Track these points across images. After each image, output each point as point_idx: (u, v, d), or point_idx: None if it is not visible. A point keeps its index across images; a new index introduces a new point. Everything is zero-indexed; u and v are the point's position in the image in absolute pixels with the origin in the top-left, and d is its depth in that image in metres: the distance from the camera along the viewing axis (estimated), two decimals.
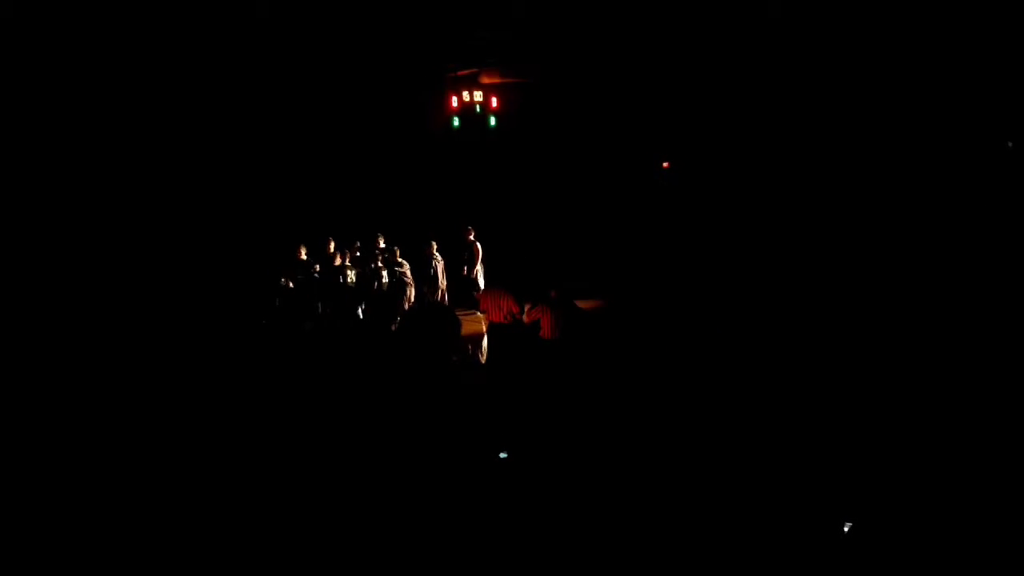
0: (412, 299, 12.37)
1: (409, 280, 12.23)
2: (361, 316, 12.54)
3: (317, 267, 12.41)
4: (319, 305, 12.32)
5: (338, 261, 12.45)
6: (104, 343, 10.54)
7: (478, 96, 14.72)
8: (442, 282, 13.13)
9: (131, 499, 6.30)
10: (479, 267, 13.62)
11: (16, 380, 9.14)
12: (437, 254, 13.13)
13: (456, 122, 14.83)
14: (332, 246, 12.58)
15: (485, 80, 14.94)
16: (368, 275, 12.43)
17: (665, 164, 16.63)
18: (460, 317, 11.56)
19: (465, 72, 14.99)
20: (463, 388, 9.13)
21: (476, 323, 12.28)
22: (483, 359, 10.90)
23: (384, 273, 12.43)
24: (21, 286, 11.63)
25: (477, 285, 13.39)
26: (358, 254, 12.82)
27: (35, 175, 12.73)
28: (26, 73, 12.49)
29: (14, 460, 7.09)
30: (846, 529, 5.40)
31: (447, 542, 5.55)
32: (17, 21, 12.02)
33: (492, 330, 9.98)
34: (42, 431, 7.79)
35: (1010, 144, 13.67)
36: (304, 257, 12.36)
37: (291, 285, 12.18)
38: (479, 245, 13.62)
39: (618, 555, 5.36)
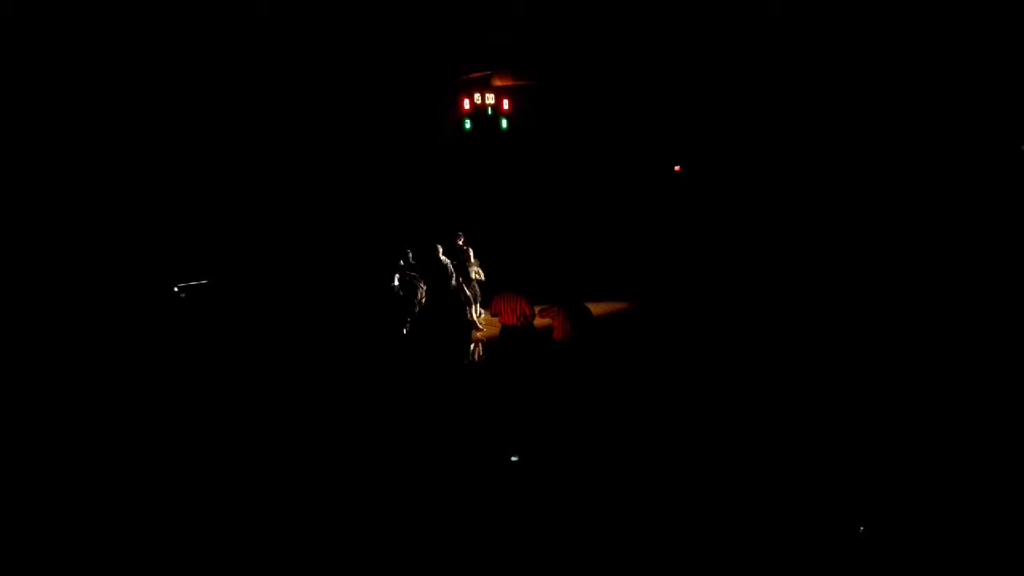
0: (423, 302, 12.40)
1: (420, 283, 12.26)
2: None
3: None
4: None
5: None
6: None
7: (490, 99, 14.72)
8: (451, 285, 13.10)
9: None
10: (474, 271, 13.40)
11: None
12: (444, 258, 13.17)
13: (468, 124, 14.84)
14: None
15: (497, 83, 14.94)
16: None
17: (677, 168, 16.61)
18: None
19: (477, 75, 14.99)
20: (474, 390, 9.16)
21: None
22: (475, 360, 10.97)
23: (396, 276, 12.45)
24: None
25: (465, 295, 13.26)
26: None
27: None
28: (27, 73, 12.55)
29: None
30: (861, 532, 5.41)
31: (457, 544, 5.58)
32: (17, 21, 12.08)
33: (504, 333, 10.02)
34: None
35: (1023, 148, 13.58)
36: None
37: None
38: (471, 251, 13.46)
39: (628, 557, 5.38)
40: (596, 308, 11.03)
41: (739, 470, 6.55)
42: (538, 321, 9.65)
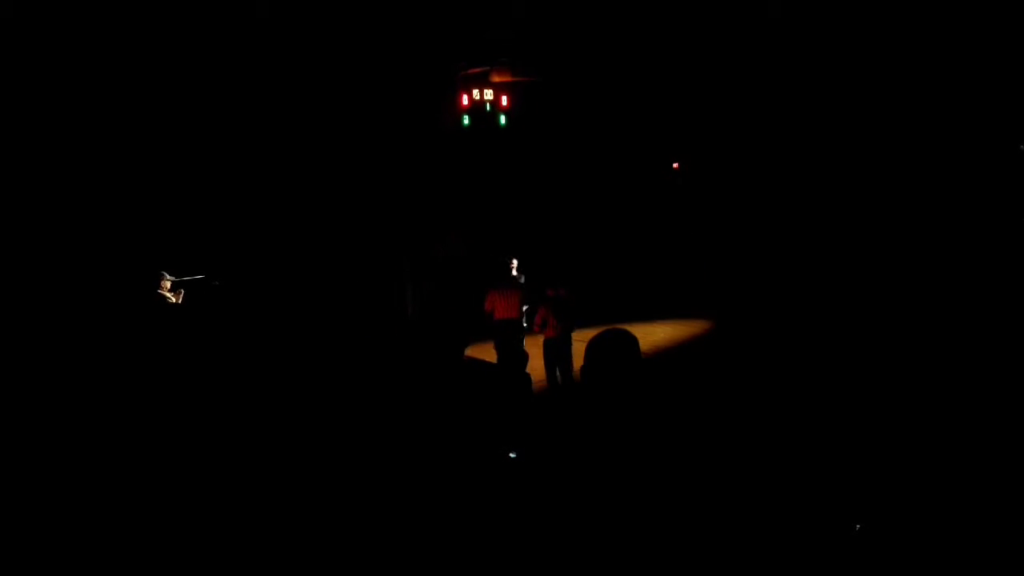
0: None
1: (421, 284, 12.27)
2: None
3: None
4: None
5: None
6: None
7: (488, 95, 14.67)
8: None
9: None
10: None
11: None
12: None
13: (466, 121, 14.80)
14: None
15: (496, 79, 14.89)
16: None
17: (675, 165, 16.63)
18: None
19: (476, 70, 14.94)
20: (473, 385, 9.12)
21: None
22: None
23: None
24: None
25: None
26: None
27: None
28: (27, 73, 12.50)
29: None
30: (857, 529, 5.39)
31: (454, 542, 5.55)
32: (17, 21, 12.03)
33: (499, 329, 9.96)
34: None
35: (1022, 148, 13.61)
36: None
37: None
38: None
39: (626, 557, 5.35)
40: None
41: (737, 469, 6.53)
42: (537, 319, 9.58)
